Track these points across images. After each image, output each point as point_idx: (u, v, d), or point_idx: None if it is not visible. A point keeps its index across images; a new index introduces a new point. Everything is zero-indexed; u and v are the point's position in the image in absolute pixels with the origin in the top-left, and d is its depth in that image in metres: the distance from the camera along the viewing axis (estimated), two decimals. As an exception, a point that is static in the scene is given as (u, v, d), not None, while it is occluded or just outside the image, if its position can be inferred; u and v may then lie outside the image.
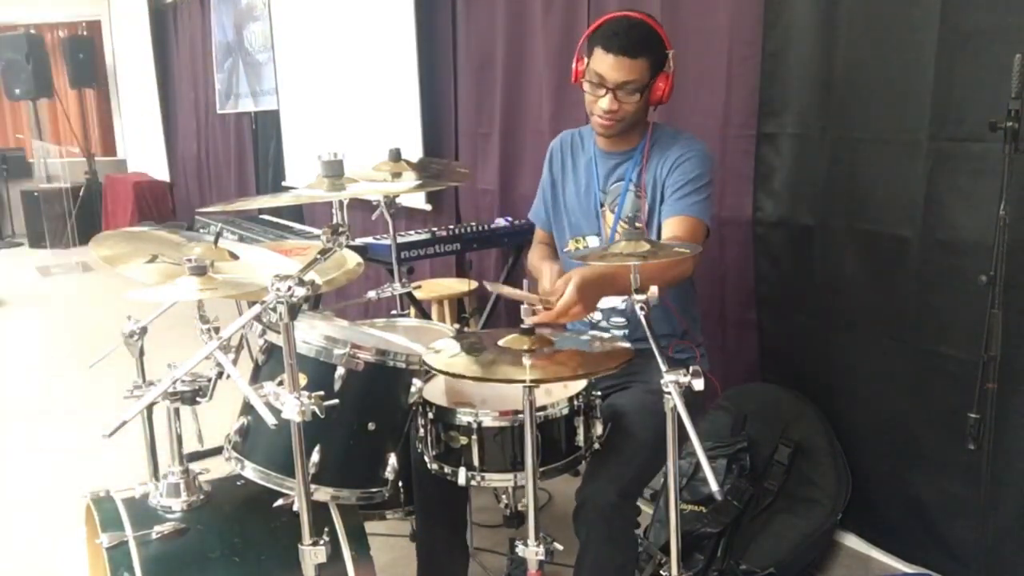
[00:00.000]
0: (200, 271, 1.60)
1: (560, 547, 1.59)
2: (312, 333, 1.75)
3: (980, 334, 1.79)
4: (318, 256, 1.55)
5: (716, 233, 2.18)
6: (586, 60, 1.94)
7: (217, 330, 1.69)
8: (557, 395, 1.72)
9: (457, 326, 2.70)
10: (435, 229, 3.44)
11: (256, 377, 1.80)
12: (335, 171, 1.74)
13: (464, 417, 1.67)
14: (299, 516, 1.51)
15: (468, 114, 3.88)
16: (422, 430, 1.76)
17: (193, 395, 1.73)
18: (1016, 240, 1.76)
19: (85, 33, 9.28)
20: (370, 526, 1.88)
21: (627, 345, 1.71)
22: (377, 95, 4.45)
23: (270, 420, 1.40)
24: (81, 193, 8.40)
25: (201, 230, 4.48)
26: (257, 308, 1.48)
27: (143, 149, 8.91)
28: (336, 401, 1.55)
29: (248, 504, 1.78)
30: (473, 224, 3.50)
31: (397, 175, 2.13)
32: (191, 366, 1.51)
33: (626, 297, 1.96)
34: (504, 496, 2.34)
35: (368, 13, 4.44)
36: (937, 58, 2.04)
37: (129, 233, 2.06)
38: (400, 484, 1.87)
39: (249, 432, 1.74)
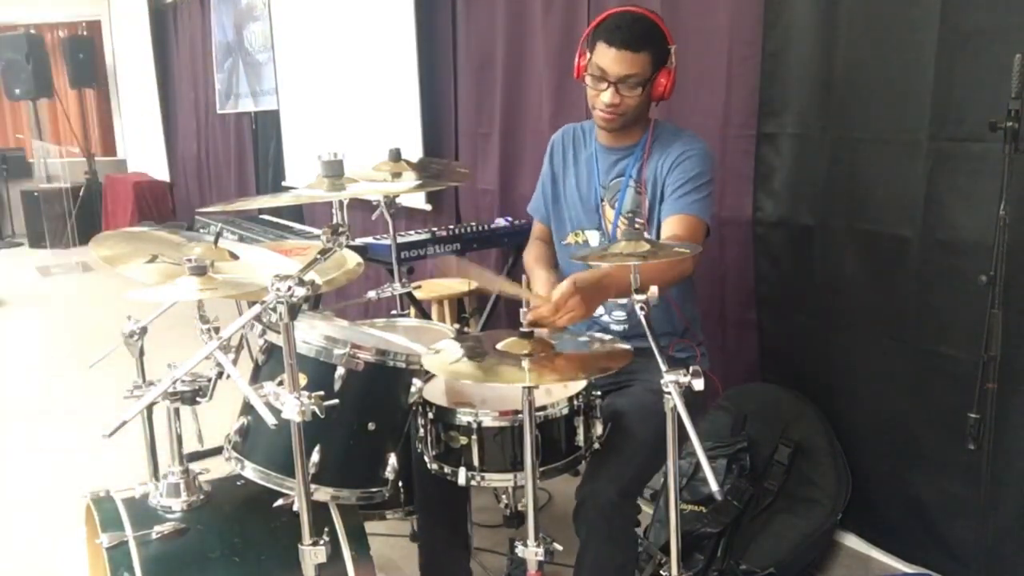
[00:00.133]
0: (200, 271, 1.60)
1: (560, 547, 1.59)
2: (312, 333, 1.75)
3: (980, 334, 1.79)
4: (318, 256, 1.55)
5: (716, 233, 2.18)
6: (588, 55, 1.94)
7: (217, 330, 1.69)
8: (557, 395, 1.72)
9: (457, 326, 2.70)
10: (435, 229, 3.44)
11: (256, 377, 1.80)
12: (335, 171, 1.74)
13: (464, 417, 1.67)
14: (299, 516, 1.51)
15: (468, 114, 3.88)
16: (422, 430, 1.76)
17: (193, 395, 1.73)
18: (1016, 240, 1.76)
19: (85, 33, 9.28)
20: (370, 526, 1.88)
21: (626, 346, 1.72)
22: (377, 95, 4.45)
23: (270, 420, 1.40)
24: (81, 193, 8.40)
25: (201, 230, 4.48)
26: (257, 308, 1.48)
27: (143, 149, 8.91)
28: (336, 401, 1.55)
29: (248, 504, 1.77)
30: (473, 224, 3.50)
31: (397, 175, 2.13)
32: (191, 366, 1.51)
33: (627, 299, 1.97)
34: (504, 496, 2.34)
35: (368, 13, 4.44)
36: (937, 58, 2.04)
37: (129, 233, 2.06)
38: (400, 484, 1.87)
39: (249, 432, 1.74)
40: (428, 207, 4.21)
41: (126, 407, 1.48)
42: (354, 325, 2.09)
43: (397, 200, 2.47)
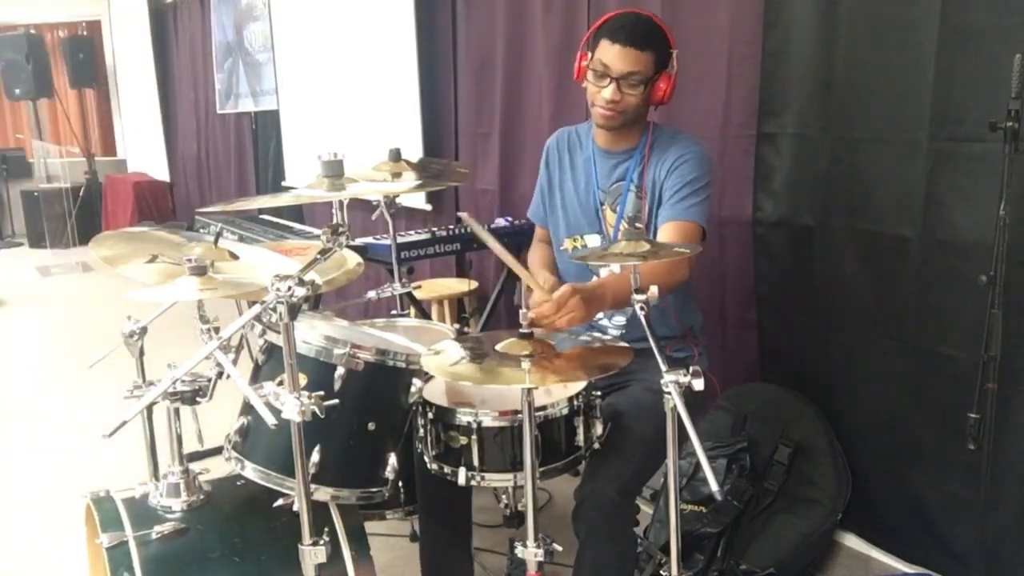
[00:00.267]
0: (200, 271, 1.60)
1: (559, 547, 1.59)
2: (312, 333, 1.75)
3: (980, 334, 1.79)
4: (318, 256, 1.56)
5: (716, 233, 2.18)
6: (590, 54, 1.94)
7: (217, 330, 1.69)
8: (557, 395, 1.72)
9: (457, 326, 2.70)
10: (435, 229, 3.44)
11: (256, 377, 1.80)
12: (335, 171, 1.74)
13: (464, 417, 1.67)
14: (299, 516, 1.51)
15: (468, 114, 3.88)
16: (422, 430, 1.76)
17: (193, 395, 1.73)
18: (1016, 240, 1.75)
19: (85, 33, 9.27)
20: (370, 526, 1.88)
21: (626, 345, 1.71)
22: (377, 95, 4.45)
23: (270, 420, 1.40)
24: (81, 193, 8.40)
25: (201, 230, 4.47)
26: (257, 308, 1.48)
27: (143, 149, 8.91)
28: (336, 401, 1.56)
29: (248, 504, 1.78)
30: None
31: (397, 175, 2.13)
32: (191, 366, 1.52)
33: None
34: (504, 496, 2.34)
35: (368, 13, 4.44)
36: (937, 58, 2.04)
37: (129, 233, 2.06)
38: (400, 484, 1.87)
39: (249, 432, 1.74)
40: (428, 207, 4.21)
41: (126, 407, 1.48)
42: (354, 325, 2.09)
43: (397, 200, 2.47)
